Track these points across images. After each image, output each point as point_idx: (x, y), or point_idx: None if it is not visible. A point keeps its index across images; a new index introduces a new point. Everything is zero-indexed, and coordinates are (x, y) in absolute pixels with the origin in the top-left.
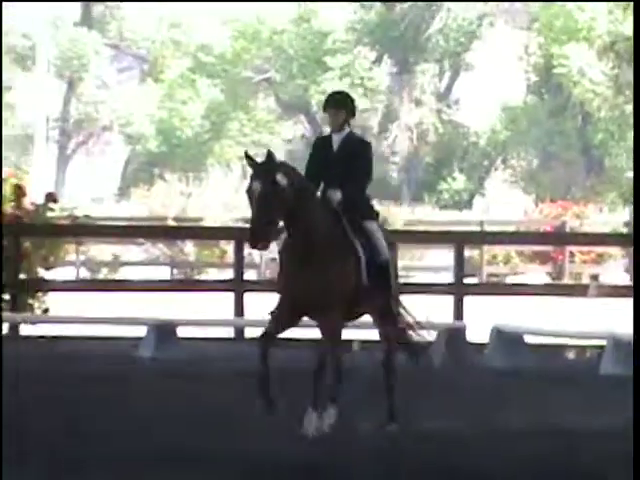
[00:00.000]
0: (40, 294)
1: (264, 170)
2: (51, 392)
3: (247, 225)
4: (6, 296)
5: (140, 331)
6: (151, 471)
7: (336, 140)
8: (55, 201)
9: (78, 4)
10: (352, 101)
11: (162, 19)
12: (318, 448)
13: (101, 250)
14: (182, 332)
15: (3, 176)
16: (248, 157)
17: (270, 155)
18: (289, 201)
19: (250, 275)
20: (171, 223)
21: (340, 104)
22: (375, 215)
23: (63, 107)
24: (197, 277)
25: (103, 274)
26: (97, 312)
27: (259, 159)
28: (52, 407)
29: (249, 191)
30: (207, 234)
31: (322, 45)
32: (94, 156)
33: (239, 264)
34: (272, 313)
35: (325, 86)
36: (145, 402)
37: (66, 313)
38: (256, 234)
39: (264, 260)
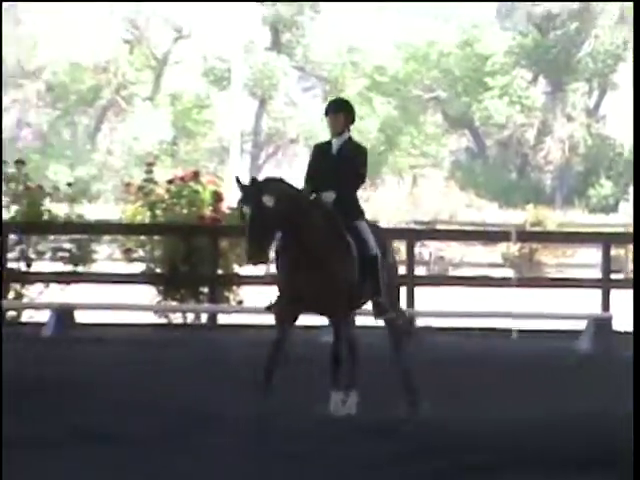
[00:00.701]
0: (235, 288)
1: (251, 194)
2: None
3: (415, 227)
4: (205, 289)
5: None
6: None
7: (335, 144)
8: None
9: (269, 33)
10: (351, 108)
11: (342, 44)
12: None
13: None
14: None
15: (205, 183)
16: (238, 181)
17: (254, 180)
18: (278, 218)
19: (420, 271)
20: None
21: (339, 111)
22: (362, 215)
23: (255, 122)
24: None
25: None
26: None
27: (246, 183)
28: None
29: (241, 212)
30: None
31: (484, 67)
32: (282, 166)
33: (410, 261)
34: (270, 308)
35: (486, 104)
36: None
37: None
38: (251, 254)
39: (433, 258)
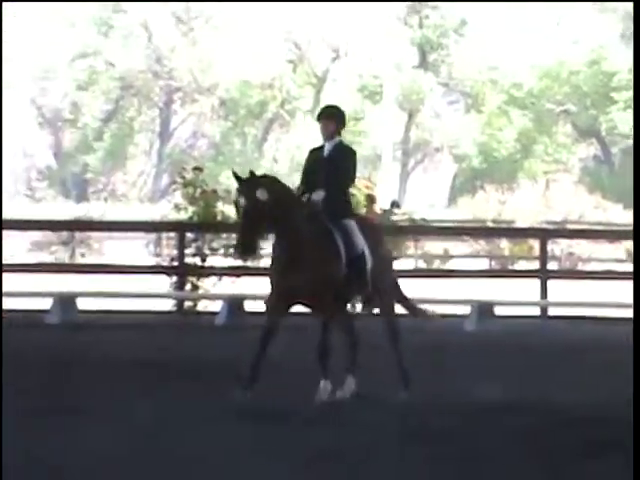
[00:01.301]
0: None
1: (246, 188)
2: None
3: (547, 226)
4: None
5: (463, 309)
6: None
7: (327, 148)
8: (398, 207)
9: (417, 53)
10: (342, 115)
11: (483, 63)
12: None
13: (434, 246)
14: (499, 311)
15: (360, 188)
16: (235, 175)
17: (252, 174)
18: (271, 213)
19: (552, 265)
20: (490, 224)
21: (330, 116)
22: (351, 213)
23: (404, 133)
24: (510, 267)
25: (436, 265)
26: (427, 294)
27: (244, 176)
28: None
29: (236, 205)
30: (518, 233)
31: (610, 83)
32: (429, 172)
33: (543, 257)
34: (266, 302)
35: (612, 116)
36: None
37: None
38: (241, 247)
39: (563, 254)
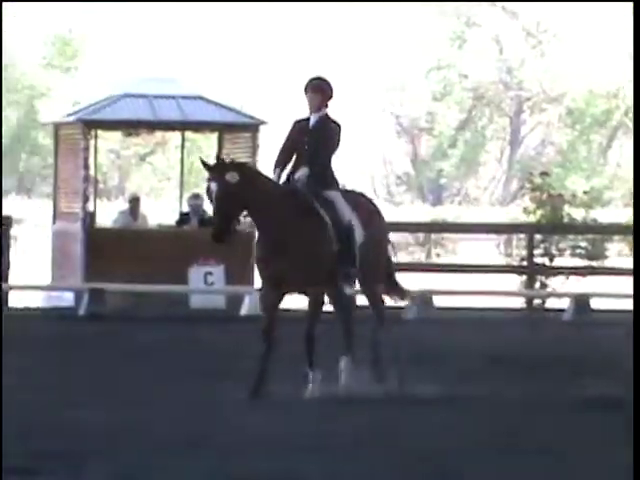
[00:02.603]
0: None
1: (216, 172)
2: None
3: None
4: None
5: None
6: None
7: (312, 120)
8: None
9: None
10: (329, 87)
11: None
12: None
13: None
14: None
15: None
16: (202, 162)
17: (218, 159)
18: (243, 194)
19: None
20: None
21: (316, 88)
22: (336, 185)
23: None
24: None
25: None
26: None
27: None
28: None
29: (208, 191)
30: None
31: None
32: None
33: None
34: (259, 290)
35: None
36: None
37: None
38: (216, 231)
39: None
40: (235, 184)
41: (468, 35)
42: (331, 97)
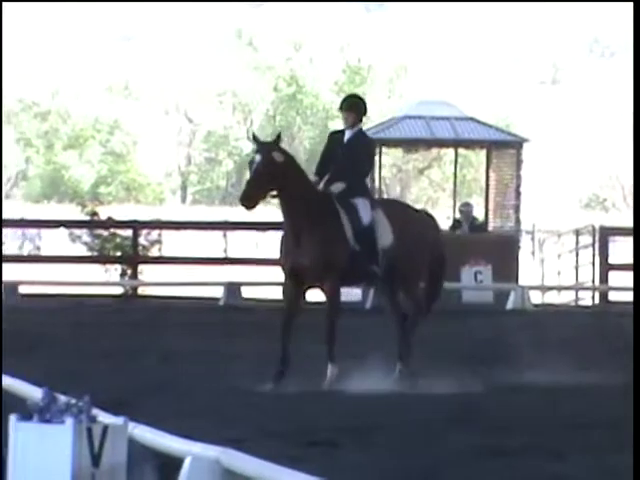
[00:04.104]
0: None
1: (264, 149)
2: None
3: None
4: None
5: None
6: None
7: (347, 135)
8: None
9: None
10: (363, 105)
11: None
12: None
13: None
14: None
15: None
16: (254, 137)
17: (278, 136)
18: (283, 175)
19: None
20: None
21: (351, 106)
22: (365, 194)
23: None
24: None
25: None
26: None
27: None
28: None
29: (250, 162)
30: None
31: None
32: None
33: None
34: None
35: None
36: None
37: None
38: (245, 195)
39: None
40: (278, 163)
41: None
42: (365, 114)
